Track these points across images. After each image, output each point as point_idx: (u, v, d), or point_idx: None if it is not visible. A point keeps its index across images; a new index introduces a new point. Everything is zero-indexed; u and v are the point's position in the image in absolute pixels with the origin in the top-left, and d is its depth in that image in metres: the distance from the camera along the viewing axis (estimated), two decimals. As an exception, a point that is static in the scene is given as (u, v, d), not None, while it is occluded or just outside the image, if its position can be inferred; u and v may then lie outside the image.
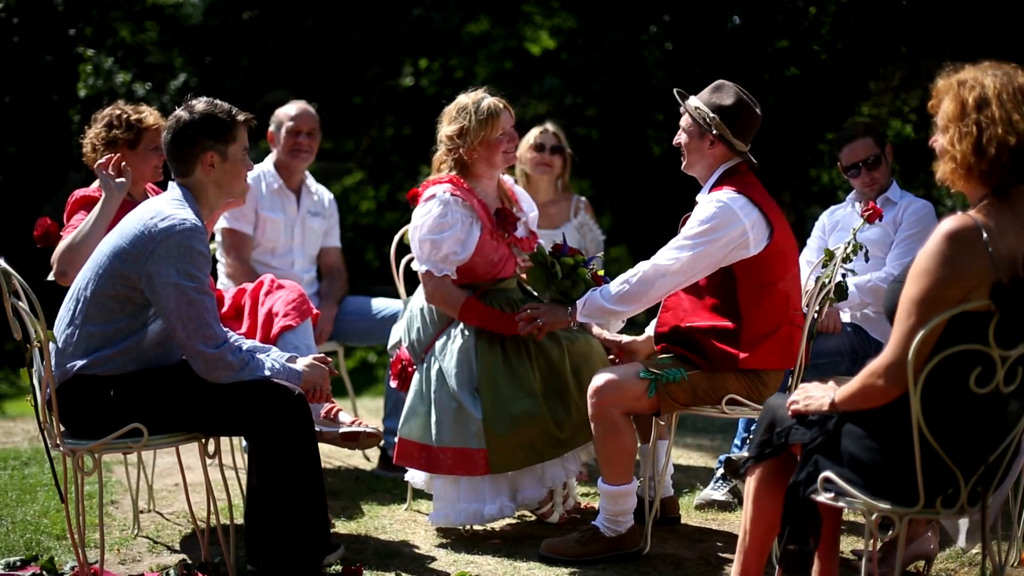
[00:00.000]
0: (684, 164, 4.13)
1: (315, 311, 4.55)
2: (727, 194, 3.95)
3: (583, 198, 5.96)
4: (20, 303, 3.52)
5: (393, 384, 4.60)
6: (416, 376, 4.42)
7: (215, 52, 11.73)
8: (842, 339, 4.76)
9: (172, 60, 11.88)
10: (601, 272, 4.33)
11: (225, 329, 3.67)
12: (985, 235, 2.81)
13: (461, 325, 4.37)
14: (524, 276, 4.40)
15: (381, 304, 5.61)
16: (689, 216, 4.05)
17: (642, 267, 4.00)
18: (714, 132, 3.98)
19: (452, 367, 4.30)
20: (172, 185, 3.75)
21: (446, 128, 4.43)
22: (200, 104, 3.72)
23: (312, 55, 11.82)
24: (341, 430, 4.14)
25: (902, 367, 2.84)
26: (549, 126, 5.81)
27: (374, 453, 5.68)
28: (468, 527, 4.42)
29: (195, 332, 3.55)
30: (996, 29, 8.41)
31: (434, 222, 4.30)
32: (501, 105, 4.40)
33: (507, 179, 4.64)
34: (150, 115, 4.50)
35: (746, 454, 4.59)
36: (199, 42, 11.76)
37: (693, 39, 10.25)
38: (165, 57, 11.95)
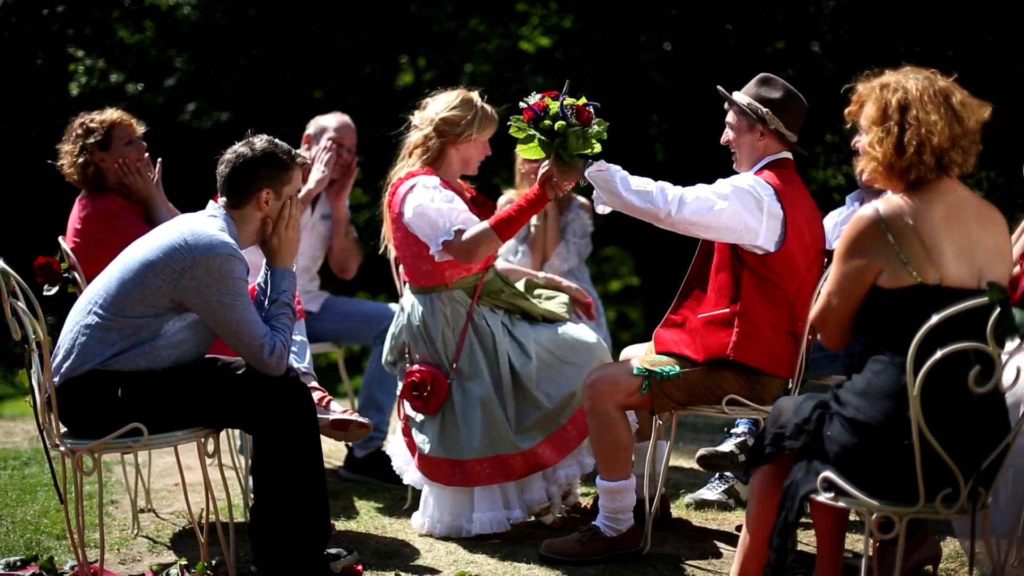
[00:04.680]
0: (735, 163, 4.10)
1: (302, 312, 4.54)
2: (762, 180, 3.93)
3: (581, 197, 5.95)
4: (19, 303, 3.52)
5: (414, 410, 4.40)
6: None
7: (212, 52, 11.71)
8: None
9: (172, 60, 11.85)
10: (583, 101, 4.03)
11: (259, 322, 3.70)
12: (885, 225, 3.01)
13: (476, 332, 4.31)
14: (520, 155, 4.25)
15: (376, 306, 5.60)
16: None
17: (673, 189, 3.88)
18: (771, 127, 3.98)
19: (475, 378, 4.28)
20: (214, 205, 3.78)
21: (441, 111, 4.36)
22: (261, 142, 3.79)
23: (309, 55, 11.81)
24: (331, 416, 4.15)
25: (820, 323, 3.20)
26: None
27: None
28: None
29: (247, 346, 3.63)
30: (995, 29, 8.43)
31: (437, 192, 4.23)
32: (493, 113, 4.40)
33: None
34: (113, 112, 4.61)
35: (725, 448, 4.64)
36: (196, 42, 11.75)
37: (688, 39, 10.25)
38: (162, 57, 11.93)
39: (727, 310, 3.95)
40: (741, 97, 4.06)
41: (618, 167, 3.96)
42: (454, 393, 4.31)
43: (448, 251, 4.23)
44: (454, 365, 4.32)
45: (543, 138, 4.01)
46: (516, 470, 4.25)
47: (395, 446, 4.59)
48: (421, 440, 4.35)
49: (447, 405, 4.32)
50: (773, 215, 3.90)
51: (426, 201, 4.22)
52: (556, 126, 3.98)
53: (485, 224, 4.20)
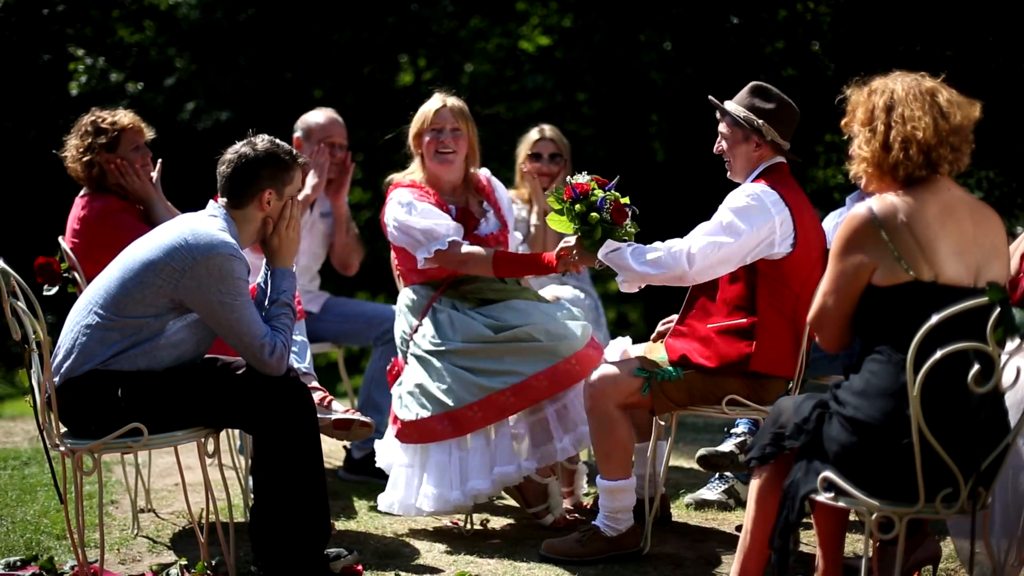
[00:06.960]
0: (729, 172, 4.07)
1: (302, 313, 4.55)
2: (760, 187, 3.91)
3: None
4: (19, 303, 3.52)
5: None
6: (406, 366, 4.45)
7: (210, 51, 11.71)
8: None
9: (172, 59, 11.85)
10: (625, 200, 4.07)
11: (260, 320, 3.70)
12: (879, 223, 3.03)
13: (434, 315, 4.37)
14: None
15: (377, 307, 5.62)
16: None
17: (679, 244, 3.90)
18: (767, 139, 3.96)
19: (428, 343, 4.32)
20: (214, 205, 3.78)
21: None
22: (263, 142, 3.79)
23: (309, 54, 11.81)
24: (334, 416, 4.15)
25: (817, 324, 3.20)
26: (547, 130, 5.58)
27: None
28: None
29: (248, 346, 3.63)
30: (995, 29, 8.43)
31: (416, 204, 4.36)
32: (438, 103, 4.46)
33: (482, 172, 4.65)
34: (125, 116, 4.56)
35: (725, 448, 4.64)
36: (196, 41, 11.75)
37: (688, 39, 10.25)
38: (162, 56, 11.93)
39: (744, 320, 3.94)
40: (736, 108, 4.02)
41: (628, 244, 3.98)
42: (410, 358, 4.39)
43: (439, 259, 4.34)
44: (411, 336, 4.41)
45: (575, 220, 4.05)
46: (510, 405, 4.22)
47: (384, 444, 4.55)
48: (405, 415, 4.32)
49: (409, 370, 4.37)
50: (782, 218, 3.88)
51: (404, 215, 4.35)
52: (589, 216, 4.02)
53: (489, 251, 4.33)
